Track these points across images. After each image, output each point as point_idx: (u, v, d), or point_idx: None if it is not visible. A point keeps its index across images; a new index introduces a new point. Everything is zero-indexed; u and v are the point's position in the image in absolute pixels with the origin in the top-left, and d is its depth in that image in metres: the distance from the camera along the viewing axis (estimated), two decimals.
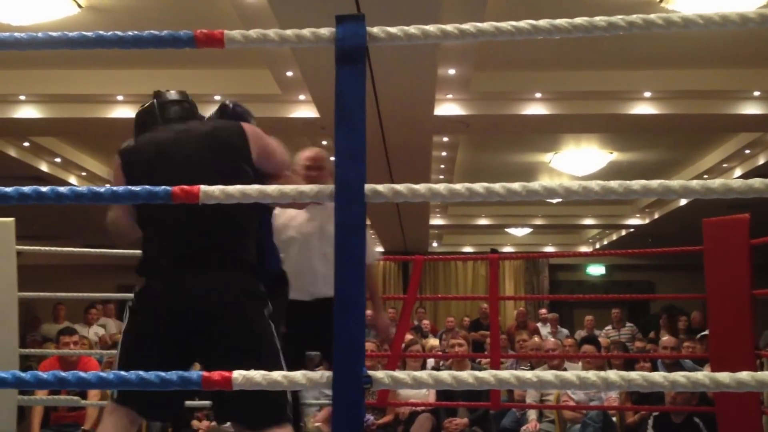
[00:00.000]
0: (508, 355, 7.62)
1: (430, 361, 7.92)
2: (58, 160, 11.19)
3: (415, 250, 17.16)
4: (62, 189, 1.47)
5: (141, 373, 1.40)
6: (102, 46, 1.46)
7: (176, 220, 2.54)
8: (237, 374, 1.33)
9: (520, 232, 18.80)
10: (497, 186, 1.42)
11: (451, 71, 7.89)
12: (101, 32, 1.45)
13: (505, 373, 1.28)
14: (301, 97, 8.60)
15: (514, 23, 1.42)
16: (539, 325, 11.97)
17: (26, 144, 10.51)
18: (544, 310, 13.50)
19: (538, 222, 17.38)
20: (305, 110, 8.88)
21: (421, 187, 1.44)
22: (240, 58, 7.85)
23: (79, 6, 6.67)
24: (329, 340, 3.70)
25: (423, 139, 9.44)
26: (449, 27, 1.48)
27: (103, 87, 8.50)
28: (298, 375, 1.35)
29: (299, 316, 3.94)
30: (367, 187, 1.42)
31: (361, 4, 5.77)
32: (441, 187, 1.44)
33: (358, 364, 1.32)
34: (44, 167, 11.20)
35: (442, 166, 12.09)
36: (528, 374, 1.25)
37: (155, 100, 2.83)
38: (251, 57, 7.77)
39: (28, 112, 8.76)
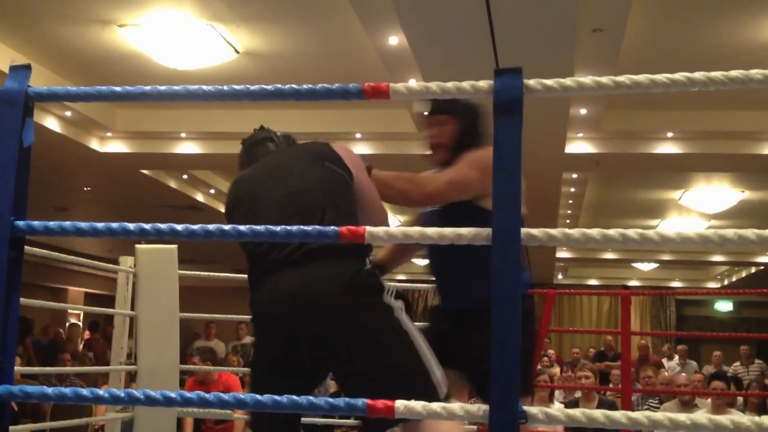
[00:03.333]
0: (639, 390, 7.31)
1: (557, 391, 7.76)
2: (212, 191, 11.67)
3: (541, 282, 16.92)
4: (210, 227, 1.53)
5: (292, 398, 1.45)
6: (281, 98, 1.54)
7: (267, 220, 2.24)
8: (399, 404, 1.37)
9: (646, 266, 18.29)
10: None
11: (583, 111, 7.82)
12: (279, 85, 1.54)
13: (658, 415, 1.27)
14: None
15: (678, 75, 1.41)
16: (665, 360, 11.54)
17: (185, 176, 11.01)
18: (666, 347, 13.06)
19: (666, 257, 16.86)
20: None
21: (575, 232, 1.45)
22: None
23: (237, 52, 6.95)
24: None
25: (553, 176, 9.35)
26: (605, 79, 1.48)
27: (251, 125, 8.81)
28: (456, 407, 1.37)
29: None
30: (523, 231, 1.44)
31: (498, 50, 5.82)
32: (594, 232, 1.44)
33: (514, 399, 1.34)
34: (200, 197, 11.69)
35: (571, 202, 11.92)
36: (684, 417, 1.24)
37: (242, 146, 2.75)
38: None
39: (188, 147, 9.15)
